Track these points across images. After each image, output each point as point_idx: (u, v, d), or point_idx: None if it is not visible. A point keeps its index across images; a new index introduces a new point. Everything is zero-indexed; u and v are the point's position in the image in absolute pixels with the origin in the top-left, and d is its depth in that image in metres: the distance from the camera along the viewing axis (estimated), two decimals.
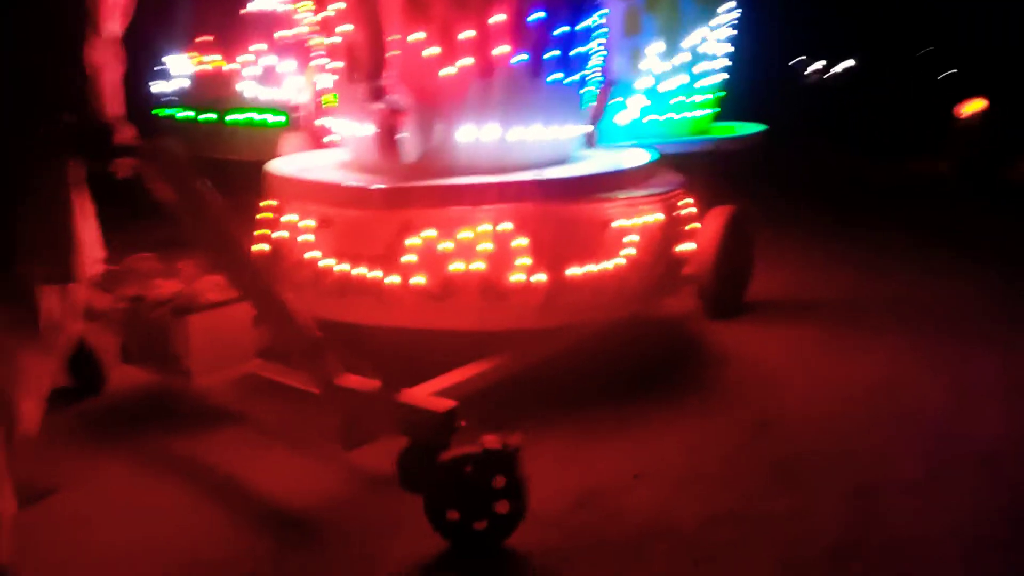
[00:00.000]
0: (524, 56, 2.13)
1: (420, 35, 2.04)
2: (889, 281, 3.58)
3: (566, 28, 2.20)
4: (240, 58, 2.97)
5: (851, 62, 15.85)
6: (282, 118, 2.88)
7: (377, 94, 1.96)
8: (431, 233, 2.23)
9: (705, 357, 2.75)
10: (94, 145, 1.64)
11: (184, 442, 2.27)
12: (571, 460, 2.09)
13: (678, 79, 3.21)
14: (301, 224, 2.39)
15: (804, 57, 16.75)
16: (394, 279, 2.22)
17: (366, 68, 1.95)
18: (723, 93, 3.42)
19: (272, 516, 1.92)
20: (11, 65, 1.64)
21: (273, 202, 2.50)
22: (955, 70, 10.56)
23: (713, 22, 3.24)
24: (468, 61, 2.08)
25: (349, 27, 2.11)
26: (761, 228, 3.18)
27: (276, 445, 2.26)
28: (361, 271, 2.26)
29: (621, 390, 2.43)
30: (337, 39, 2.19)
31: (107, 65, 1.66)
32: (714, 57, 3.30)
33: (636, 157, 2.67)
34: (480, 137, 2.20)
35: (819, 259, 3.86)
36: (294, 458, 2.18)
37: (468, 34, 2.05)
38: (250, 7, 3.14)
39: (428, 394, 1.94)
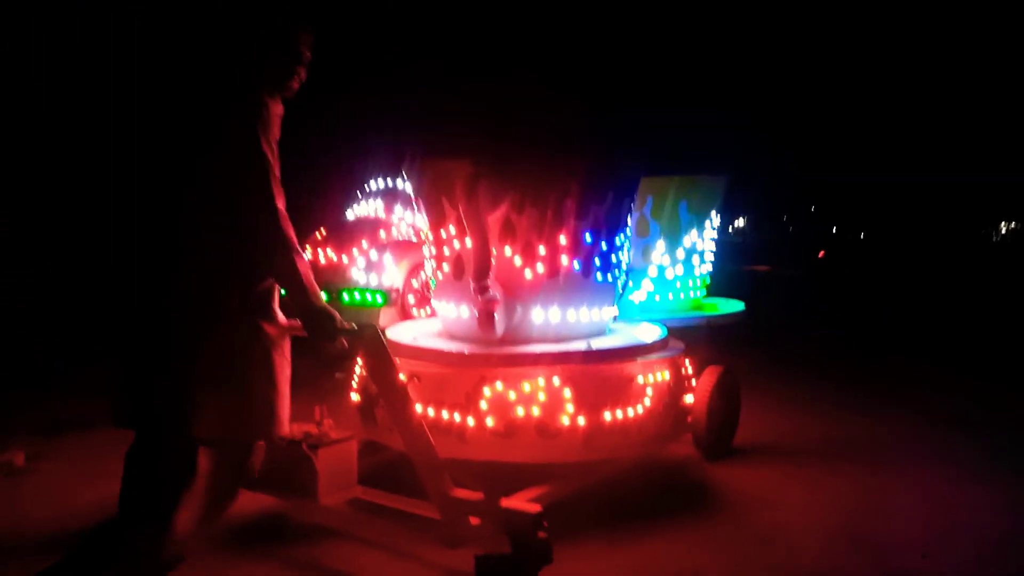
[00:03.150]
0: (577, 264, 3.08)
1: (509, 250, 3.00)
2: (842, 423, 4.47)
3: (605, 243, 3.17)
4: (353, 251, 3.92)
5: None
6: (380, 298, 3.78)
7: (483, 289, 2.86)
8: (499, 385, 3.05)
9: (705, 490, 3.40)
10: (323, 329, 2.23)
11: (313, 550, 2.88)
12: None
13: (678, 268, 4.19)
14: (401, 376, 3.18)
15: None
16: (470, 420, 2.95)
17: (475, 271, 2.86)
18: (709, 279, 4.40)
19: None
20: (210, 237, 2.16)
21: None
22: None
23: (704, 225, 4.26)
24: (540, 267, 3.03)
25: (457, 244, 3.07)
26: (741, 383, 3.88)
27: (383, 551, 2.88)
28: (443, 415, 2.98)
29: (638, 513, 3.06)
30: (445, 250, 3.15)
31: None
32: (703, 252, 4.30)
33: (650, 331, 3.54)
34: (547, 318, 3.10)
35: (789, 407, 4.72)
36: (397, 560, 2.81)
37: (541, 250, 3.02)
38: (355, 214, 4.15)
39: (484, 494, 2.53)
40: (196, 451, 2.10)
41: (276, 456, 2.53)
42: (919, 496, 3.37)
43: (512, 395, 3.01)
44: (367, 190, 4.25)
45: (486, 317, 2.88)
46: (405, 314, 3.86)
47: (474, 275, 2.86)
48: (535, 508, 2.52)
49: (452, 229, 3.04)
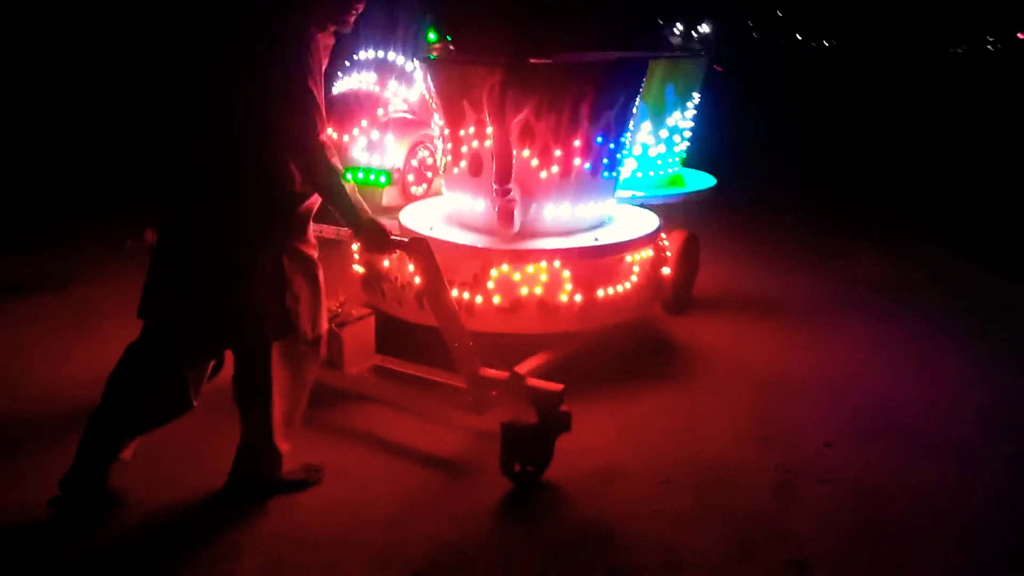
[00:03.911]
0: (588, 164, 3.32)
1: (527, 152, 3.20)
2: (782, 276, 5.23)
3: (613, 143, 3.40)
4: (354, 130, 4.00)
5: None
6: (384, 178, 3.92)
7: (505, 192, 3.10)
8: (505, 268, 3.38)
9: (672, 342, 4.10)
10: (378, 242, 2.47)
11: (345, 415, 3.26)
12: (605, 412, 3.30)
13: (660, 147, 4.44)
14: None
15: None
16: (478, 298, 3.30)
17: (498, 175, 3.08)
18: (685, 156, 4.68)
19: (414, 460, 2.97)
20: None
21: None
22: None
23: (687, 106, 4.47)
24: (555, 168, 3.26)
25: (476, 143, 3.24)
26: (699, 246, 4.57)
27: (406, 414, 3.28)
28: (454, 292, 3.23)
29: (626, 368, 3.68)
30: (463, 148, 3.32)
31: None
32: (683, 130, 4.54)
33: (642, 220, 3.77)
34: (558, 214, 3.38)
35: (739, 263, 5.42)
36: (421, 423, 3.22)
37: (556, 152, 3.23)
38: (352, 88, 4.16)
39: (522, 373, 2.92)
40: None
41: None
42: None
43: (517, 276, 3.35)
44: (357, 60, 4.23)
45: (506, 215, 3.14)
46: (405, 191, 4.04)
47: (497, 178, 3.07)
48: (558, 387, 2.93)
49: (472, 130, 3.20)
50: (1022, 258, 5.48)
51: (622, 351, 3.78)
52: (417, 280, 3.31)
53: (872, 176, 8.89)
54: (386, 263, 3.57)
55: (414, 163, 4.04)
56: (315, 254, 2.53)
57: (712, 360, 3.89)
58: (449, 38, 4.34)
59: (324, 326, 2.59)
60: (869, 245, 6.04)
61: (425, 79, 3.45)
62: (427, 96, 3.52)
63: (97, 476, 2.44)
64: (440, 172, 3.57)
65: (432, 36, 4.31)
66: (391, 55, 4.22)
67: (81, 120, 7.57)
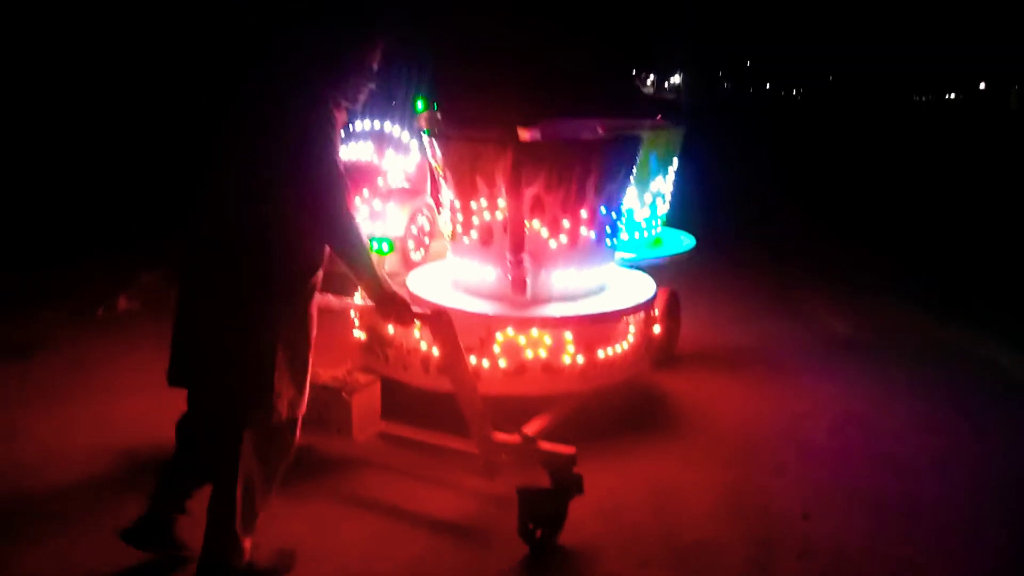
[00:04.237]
0: (593, 233, 3.49)
1: (537, 223, 3.35)
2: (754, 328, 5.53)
3: (614, 212, 3.58)
4: (355, 200, 4.10)
5: None
6: (387, 246, 4.02)
7: (518, 260, 3.23)
8: (510, 332, 3.49)
9: (652, 401, 4.27)
10: (402, 315, 2.59)
11: (354, 482, 3.33)
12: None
13: (644, 211, 4.65)
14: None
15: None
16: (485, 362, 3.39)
17: (512, 245, 3.21)
18: (666, 218, 4.91)
19: (424, 526, 3.04)
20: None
21: None
22: None
23: (668, 171, 4.70)
24: (564, 238, 3.42)
25: (487, 216, 3.38)
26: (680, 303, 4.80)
27: (414, 480, 3.37)
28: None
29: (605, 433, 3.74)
30: (474, 220, 3.45)
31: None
32: (665, 194, 4.76)
33: (641, 286, 3.89)
34: (565, 281, 3.52)
35: (718, 318, 5.66)
36: (430, 488, 3.31)
37: (565, 223, 3.39)
38: (351, 158, 4.27)
39: (529, 434, 3.05)
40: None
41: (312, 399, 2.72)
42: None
43: (522, 340, 3.46)
44: (353, 131, 4.35)
45: (519, 283, 3.27)
46: (405, 257, 4.14)
47: (511, 249, 3.22)
48: (570, 449, 3.03)
49: (484, 202, 3.34)
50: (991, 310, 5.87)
51: (608, 411, 3.88)
52: (424, 346, 3.42)
53: (842, 224, 9.44)
54: (391, 329, 3.65)
55: (414, 230, 4.15)
56: (314, 332, 2.52)
57: (689, 422, 4.07)
58: (435, 107, 4.50)
59: (303, 409, 2.53)
60: (834, 295, 6.40)
61: (432, 153, 3.59)
62: (434, 168, 3.65)
63: (166, 525, 2.55)
64: (449, 240, 3.68)
65: (420, 106, 4.47)
66: (387, 126, 4.36)
67: (49, 170, 7.57)
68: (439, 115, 4.46)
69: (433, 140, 3.50)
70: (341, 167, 2.37)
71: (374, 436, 3.50)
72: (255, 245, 2.34)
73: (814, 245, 8.34)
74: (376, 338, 3.78)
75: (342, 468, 3.40)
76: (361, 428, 3.41)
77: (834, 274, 7.07)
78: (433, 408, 3.37)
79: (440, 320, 2.76)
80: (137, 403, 3.96)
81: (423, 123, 3.95)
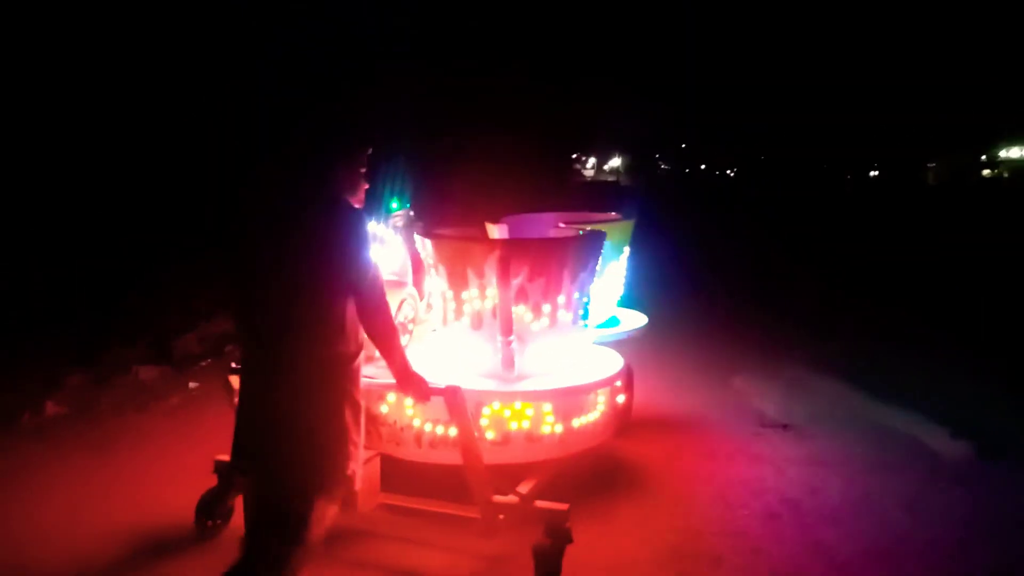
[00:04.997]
0: (569, 316, 4.03)
1: (522, 308, 3.87)
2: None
3: (586, 297, 4.14)
4: None
5: None
6: None
7: (508, 341, 3.73)
8: (497, 406, 3.95)
9: (610, 467, 4.74)
10: (417, 391, 3.06)
11: (361, 551, 3.74)
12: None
13: (599, 295, 5.23)
14: (408, 402, 3.80)
15: None
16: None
17: (503, 328, 3.72)
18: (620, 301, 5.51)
19: None
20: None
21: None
22: None
23: (620, 258, 5.32)
24: (545, 321, 3.94)
25: (477, 304, 3.89)
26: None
27: (417, 545, 3.79)
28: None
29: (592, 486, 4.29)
30: (465, 308, 3.95)
31: None
32: (618, 278, 5.37)
33: (608, 361, 4.38)
34: (545, 357, 4.02)
35: (665, 385, 6.20)
36: (432, 552, 3.73)
37: (545, 308, 3.93)
38: None
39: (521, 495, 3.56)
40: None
41: None
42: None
43: (507, 412, 3.93)
44: None
45: (509, 361, 3.77)
46: None
47: (502, 331, 3.73)
48: (564, 506, 3.50)
49: (474, 292, 3.86)
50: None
51: (575, 474, 4.26)
52: (417, 423, 3.81)
53: (776, 301, 10.10)
54: (384, 408, 4.06)
55: (401, 318, 4.61)
56: (363, 403, 2.92)
57: (642, 490, 4.51)
58: (407, 206, 5.03)
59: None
60: (766, 375, 6.73)
61: (422, 249, 4.10)
62: (426, 262, 4.15)
63: None
64: (441, 325, 4.15)
65: (395, 205, 4.99)
66: (372, 224, 4.86)
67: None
68: (412, 214, 4.99)
69: (425, 239, 4.01)
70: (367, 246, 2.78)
71: (376, 507, 3.89)
72: (308, 335, 2.65)
73: (752, 321, 8.79)
74: (369, 417, 4.18)
75: (348, 540, 3.75)
76: (365, 501, 3.81)
77: (764, 350, 7.51)
78: (425, 478, 3.83)
79: (455, 395, 3.23)
80: (67, 520, 4.04)
81: (398, 221, 4.46)
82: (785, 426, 5.53)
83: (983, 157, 58.94)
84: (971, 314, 9.05)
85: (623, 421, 5.10)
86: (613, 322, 5.33)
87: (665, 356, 7.03)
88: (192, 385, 6.39)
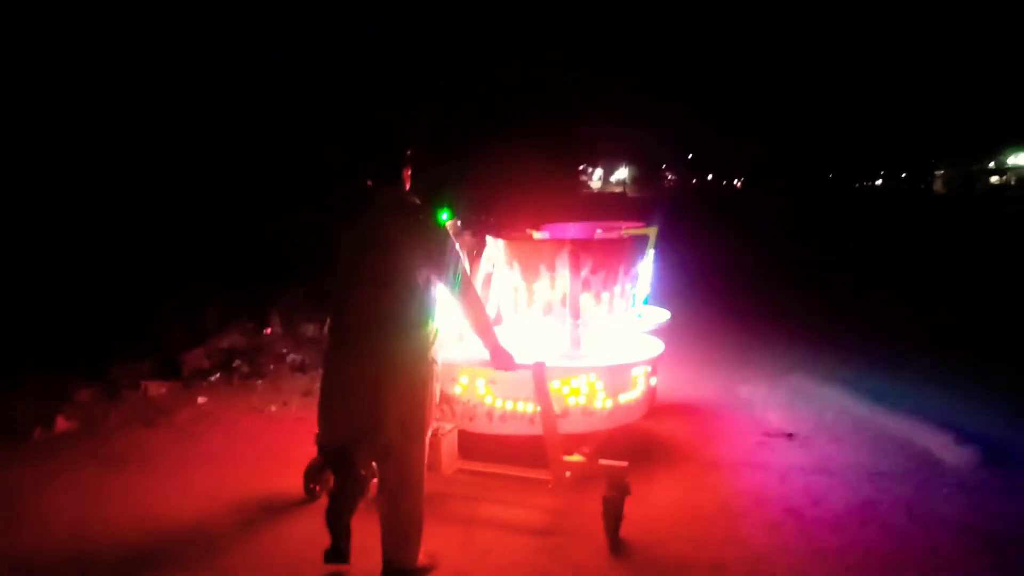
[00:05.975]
0: (623, 303, 4.75)
1: (586, 296, 4.57)
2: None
3: (635, 287, 4.86)
4: None
5: None
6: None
7: (576, 324, 4.43)
8: (556, 383, 4.62)
9: (649, 429, 5.38)
10: (507, 364, 3.67)
11: (450, 507, 4.30)
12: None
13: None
14: (478, 381, 4.42)
15: None
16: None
17: (572, 313, 4.42)
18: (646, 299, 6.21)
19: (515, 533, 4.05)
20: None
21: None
22: None
23: (647, 259, 6.03)
24: (605, 308, 4.66)
25: (548, 294, 4.58)
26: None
27: (497, 502, 4.37)
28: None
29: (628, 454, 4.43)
30: (536, 298, 4.64)
31: None
32: (644, 277, 6.08)
33: (651, 344, 5.12)
34: (604, 337, 4.72)
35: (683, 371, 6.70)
36: (508, 508, 4.33)
37: (604, 296, 4.63)
38: None
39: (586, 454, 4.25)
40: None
41: None
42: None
43: (565, 389, 4.60)
44: None
45: (576, 340, 4.47)
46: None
47: (571, 315, 4.43)
48: (624, 463, 4.17)
49: (545, 283, 4.56)
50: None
51: (622, 439, 4.84)
52: (488, 400, 4.46)
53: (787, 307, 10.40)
54: (458, 389, 4.70)
55: None
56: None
57: (645, 500, 4.45)
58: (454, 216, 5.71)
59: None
60: (774, 384, 6.71)
61: (495, 249, 4.78)
62: (494, 261, 4.83)
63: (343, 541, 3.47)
64: (513, 312, 4.83)
65: (445, 216, 5.65)
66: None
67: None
68: (459, 223, 5.67)
69: (498, 239, 4.70)
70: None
71: (456, 472, 4.58)
72: (391, 323, 3.35)
73: (765, 332, 8.77)
74: (444, 396, 4.83)
75: (436, 497, 4.10)
76: (449, 464, 4.46)
77: (774, 359, 7.50)
78: (496, 448, 4.35)
79: (539, 370, 3.91)
80: (75, 534, 4.07)
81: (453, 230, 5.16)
82: (789, 435, 5.50)
83: (991, 164, 59.23)
84: (974, 320, 9.14)
85: (651, 402, 5.80)
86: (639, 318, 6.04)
87: (668, 356, 7.65)
88: (201, 400, 6.46)
